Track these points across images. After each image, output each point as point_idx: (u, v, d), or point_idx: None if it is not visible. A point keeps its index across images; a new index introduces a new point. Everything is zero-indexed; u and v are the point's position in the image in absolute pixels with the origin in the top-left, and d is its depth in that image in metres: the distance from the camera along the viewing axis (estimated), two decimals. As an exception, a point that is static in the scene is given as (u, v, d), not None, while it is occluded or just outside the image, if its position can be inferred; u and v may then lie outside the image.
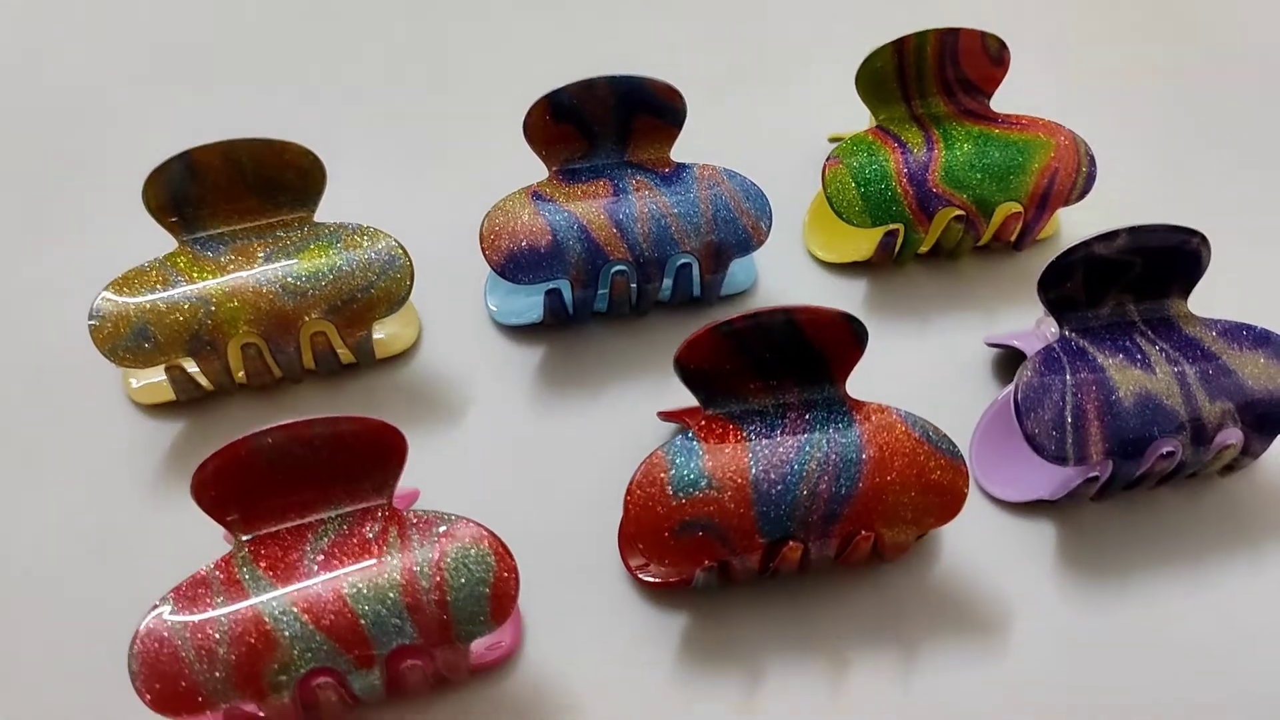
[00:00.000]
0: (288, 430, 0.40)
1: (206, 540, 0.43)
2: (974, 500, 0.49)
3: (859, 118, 0.57)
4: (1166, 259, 0.48)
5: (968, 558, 0.47)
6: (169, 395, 0.50)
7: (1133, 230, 0.47)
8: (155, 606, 0.39)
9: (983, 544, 0.47)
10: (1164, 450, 0.45)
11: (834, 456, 0.43)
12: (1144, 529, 0.48)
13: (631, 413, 0.51)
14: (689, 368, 0.44)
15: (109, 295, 0.47)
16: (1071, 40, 0.70)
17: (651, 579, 0.46)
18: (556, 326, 0.54)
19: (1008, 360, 0.53)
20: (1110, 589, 0.46)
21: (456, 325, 0.54)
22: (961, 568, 0.47)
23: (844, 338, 0.44)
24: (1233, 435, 0.46)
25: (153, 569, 0.45)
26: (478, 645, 0.43)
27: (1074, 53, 0.69)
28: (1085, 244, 0.47)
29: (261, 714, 0.40)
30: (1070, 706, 0.43)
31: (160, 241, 0.49)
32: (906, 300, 0.56)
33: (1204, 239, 0.48)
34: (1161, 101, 0.67)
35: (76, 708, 0.43)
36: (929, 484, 0.43)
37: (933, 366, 0.54)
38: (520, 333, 0.54)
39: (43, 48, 0.67)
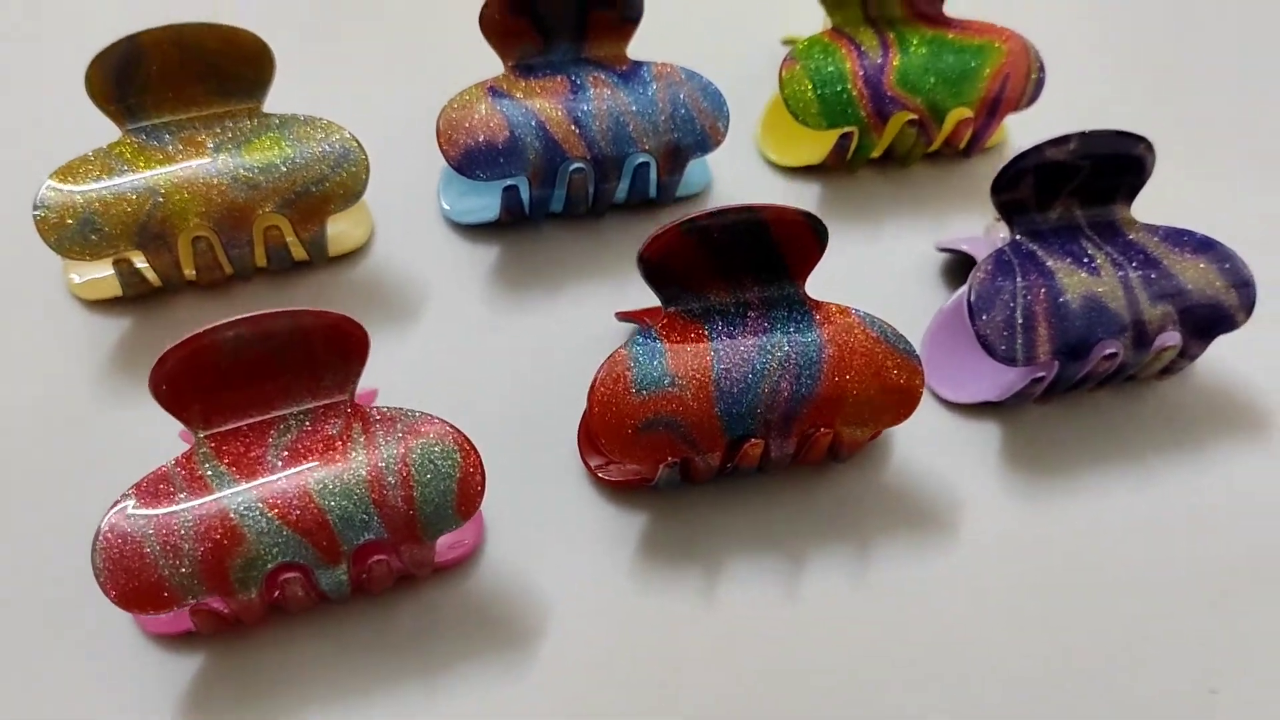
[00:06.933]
0: (250, 323, 0.39)
1: (157, 434, 0.42)
2: (924, 402, 0.50)
3: (813, 19, 0.57)
4: (1113, 164, 0.49)
5: (918, 458, 0.48)
6: (114, 291, 0.49)
7: (1083, 135, 0.48)
8: (117, 502, 0.38)
9: (932, 444, 0.49)
10: (1107, 351, 0.47)
11: (794, 355, 0.44)
12: (1085, 430, 0.50)
13: (588, 313, 0.51)
14: (652, 263, 0.44)
15: (54, 184, 0.45)
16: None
17: (612, 478, 0.47)
18: (512, 225, 0.54)
19: (957, 264, 0.54)
20: (1052, 486, 0.48)
21: (410, 223, 0.53)
22: (912, 467, 0.48)
23: (805, 237, 0.44)
24: (1172, 338, 0.48)
25: (104, 465, 0.45)
26: (442, 543, 0.43)
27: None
28: (1038, 148, 0.47)
29: (226, 609, 0.40)
30: (1014, 596, 0.45)
31: (102, 130, 0.47)
32: (859, 204, 0.57)
33: (1149, 145, 0.49)
34: (1110, 10, 0.68)
35: (32, 602, 0.42)
36: (886, 383, 0.44)
37: (884, 269, 0.54)
38: (475, 231, 0.53)
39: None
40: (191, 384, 0.40)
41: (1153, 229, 0.50)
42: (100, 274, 0.49)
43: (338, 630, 0.42)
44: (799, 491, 0.47)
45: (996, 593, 0.45)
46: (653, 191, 0.54)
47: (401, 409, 0.41)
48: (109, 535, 0.38)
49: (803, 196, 0.57)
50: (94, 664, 0.41)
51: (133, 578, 0.37)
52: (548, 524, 0.46)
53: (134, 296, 0.49)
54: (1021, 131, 0.60)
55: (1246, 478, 0.49)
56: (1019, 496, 0.48)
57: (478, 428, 0.43)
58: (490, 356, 0.50)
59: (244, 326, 0.39)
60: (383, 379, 0.47)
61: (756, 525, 0.46)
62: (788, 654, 0.43)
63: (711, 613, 0.44)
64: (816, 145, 0.56)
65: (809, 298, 0.45)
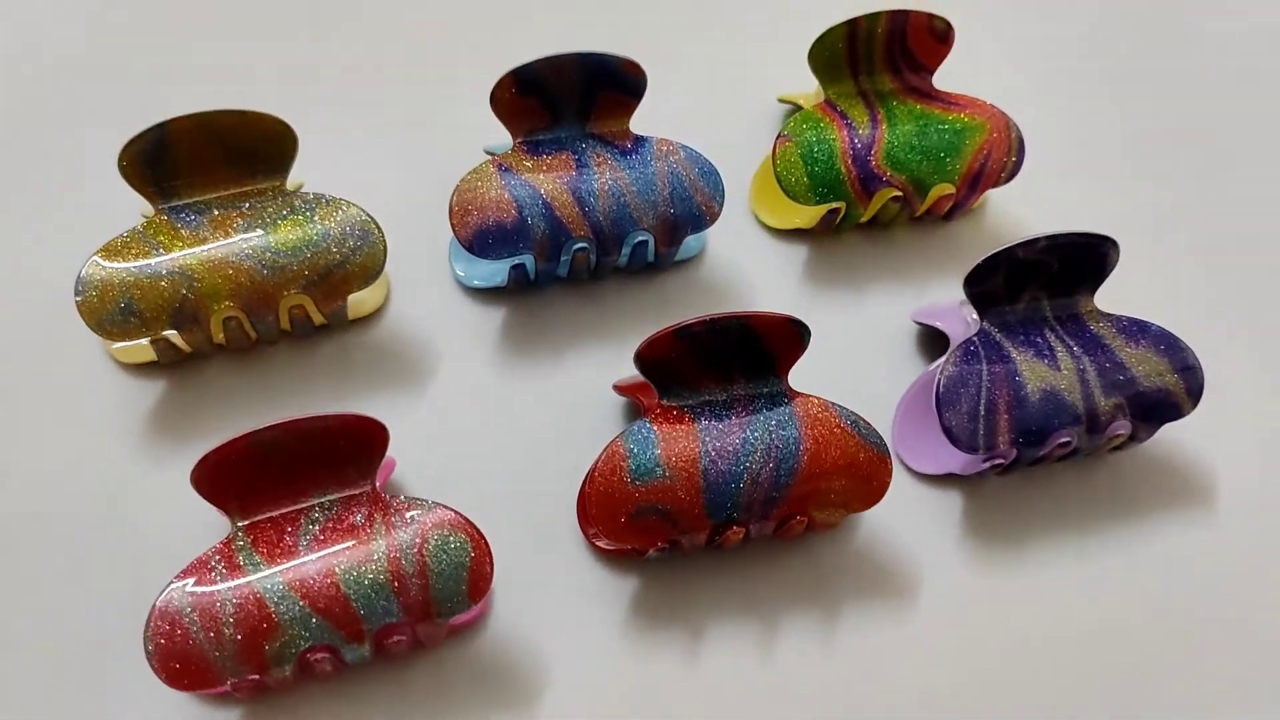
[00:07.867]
0: (283, 427, 0.44)
1: (189, 493, 0.45)
2: (894, 472, 0.55)
3: (807, 76, 0.59)
4: (1079, 259, 0.53)
5: (886, 526, 0.53)
6: (150, 356, 0.53)
7: (1052, 237, 0.51)
8: (163, 590, 0.43)
9: (900, 512, 0.53)
10: (1061, 440, 0.51)
11: (775, 448, 0.48)
12: (1041, 500, 0.54)
13: (589, 375, 0.55)
14: (648, 361, 0.48)
15: (97, 261, 0.49)
16: (1012, 20, 0.73)
17: (607, 546, 0.51)
18: (519, 291, 0.57)
19: (932, 334, 0.58)
20: (1009, 553, 0.53)
21: (423, 287, 0.57)
22: (880, 536, 0.53)
23: (790, 338, 0.49)
24: (1122, 427, 0.52)
25: (139, 523, 0.50)
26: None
27: (1011, 32, 0.73)
28: (1010, 249, 0.51)
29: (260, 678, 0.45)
30: (970, 661, 0.50)
31: (135, 205, 0.51)
32: (843, 268, 0.60)
33: (1114, 243, 0.52)
34: (1089, 83, 0.70)
35: (73, 658, 0.47)
36: (858, 474, 0.49)
37: (865, 333, 0.58)
38: (484, 295, 0.57)
39: (18, 14, 0.66)
40: (229, 480, 0.44)
41: (1112, 320, 0.53)
42: (137, 340, 0.53)
43: (358, 689, 0.47)
44: (775, 558, 0.52)
45: (956, 654, 0.50)
46: (651, 258, 0.57)
47: (419, 499, 0.45)
48: (158, 622, 0.42)
49: (791, 259, 0.60)
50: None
51: (182, 660, 0.42)
52: (547, 585, 0.50)
53: (168, 363, 0.53)
54: (1001, 193, 0.63)
55: (1188, 549, 0.54)
56: (978, 562, 0.53)
57: (482, 490, 0.48)
58: (497, 417, 0.54)
59: (279, 430, 0.44)
60: (395, 438, 0.50)
61: (736, 591, 0.51)
62: (764, 713, 0.48)
63: (694, 671, 0.49)
64: (806, 212, 0.59)
65: (791, 390, 0.49)
